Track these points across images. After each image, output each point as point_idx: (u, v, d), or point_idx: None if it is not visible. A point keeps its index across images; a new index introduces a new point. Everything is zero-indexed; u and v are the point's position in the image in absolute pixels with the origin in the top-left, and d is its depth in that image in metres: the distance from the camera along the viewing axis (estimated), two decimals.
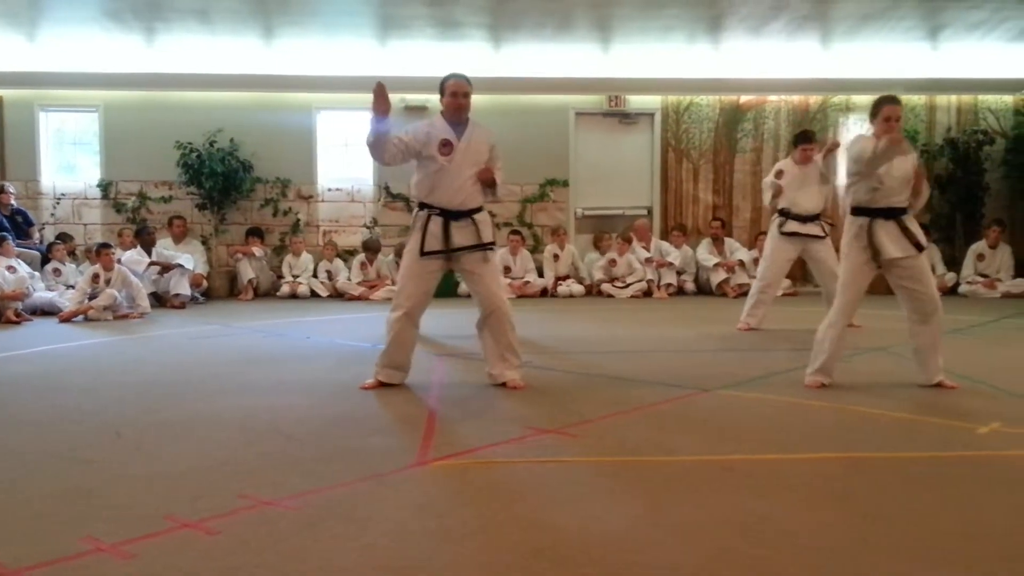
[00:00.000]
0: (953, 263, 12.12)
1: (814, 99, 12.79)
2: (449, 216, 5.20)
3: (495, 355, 5.37)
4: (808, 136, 8.39)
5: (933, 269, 11.68)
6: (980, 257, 11.78)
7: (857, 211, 5.28)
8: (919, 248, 5.17)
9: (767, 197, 8.37)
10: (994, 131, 12.52)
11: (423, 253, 5.21)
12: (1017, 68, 11.77)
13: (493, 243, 5.36)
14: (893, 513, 3.13)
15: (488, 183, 5.24)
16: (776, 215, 8.29)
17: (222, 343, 7.51)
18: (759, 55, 11.89)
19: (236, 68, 11.85)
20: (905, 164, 5.21)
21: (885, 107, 5.19)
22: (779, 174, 8.25)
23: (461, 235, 5.21)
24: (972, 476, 3.58)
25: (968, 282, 11.60)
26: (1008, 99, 12.51)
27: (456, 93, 5.27)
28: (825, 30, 11.27)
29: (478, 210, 5.28)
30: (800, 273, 12.55)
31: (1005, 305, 10.33)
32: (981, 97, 12.69)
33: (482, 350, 5.50)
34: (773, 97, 12.78)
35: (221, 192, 12.03)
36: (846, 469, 3.69)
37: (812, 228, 8.14)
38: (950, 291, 11.60)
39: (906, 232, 5.17)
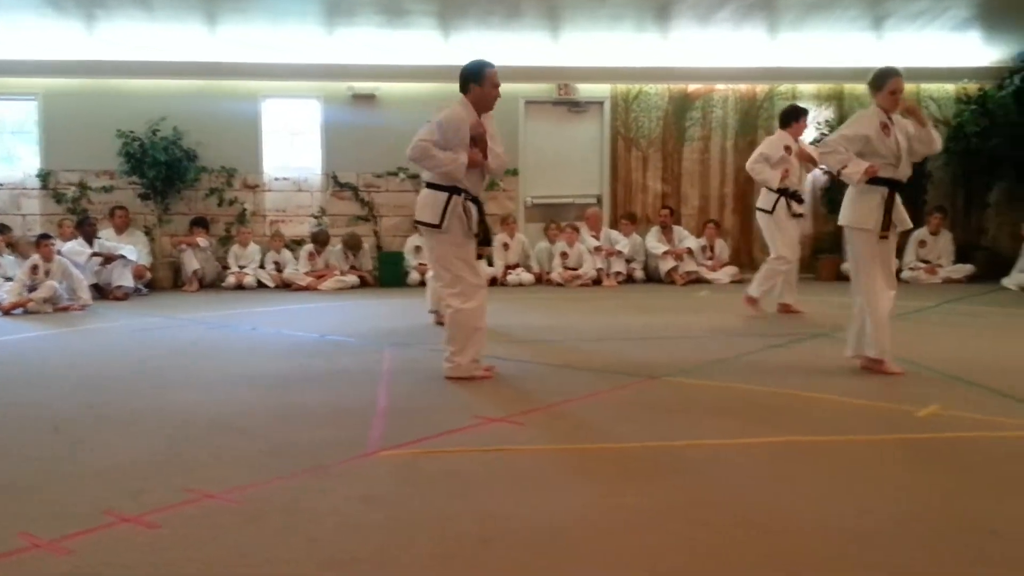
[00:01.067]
0: (896, 249, 12.31)
1: (761, 88, 12.88)
2: (476, 202, 5.24)
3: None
4: (805, 110, 8.43)
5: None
6: (922, 244, 11.98)
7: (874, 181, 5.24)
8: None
9: (768, 175, 8.06)
10: (936, 119, 12.72)
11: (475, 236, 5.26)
12: (958, 57, 11.96)
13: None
14: (835, 495, 3.17)
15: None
16: (777, 195, 8.09)
17: (166, 336, 7.37)
18: (707, 44, 11.93)
19: (179, 55, 11.60)
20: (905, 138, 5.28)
21: (892, 79, 5.18)
22: (789, 150, 8.11)
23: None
24: (911, 458, 3.64)
25: (910, 268, 11.79)
26: (950, 87, 12.70)
27: (497, 84, 5.19)
28: (771, 19, 11.35)
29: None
30: (748, 260, 12.69)
31: (946, 290, 10.53)
32: (923, 85, 12.86)
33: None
34: (721, 86, 12.85)
35: (164, 182, 11.79)
36: (790, 451, 3.73)
37: (803, 209, 8.28)
38: None
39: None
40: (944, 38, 11.69)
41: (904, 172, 5.27)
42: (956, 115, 12.44)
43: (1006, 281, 10.81)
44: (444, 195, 5.08)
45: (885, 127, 5.23)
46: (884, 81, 5.22)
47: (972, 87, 12.20)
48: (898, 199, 5.29)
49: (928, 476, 3.39)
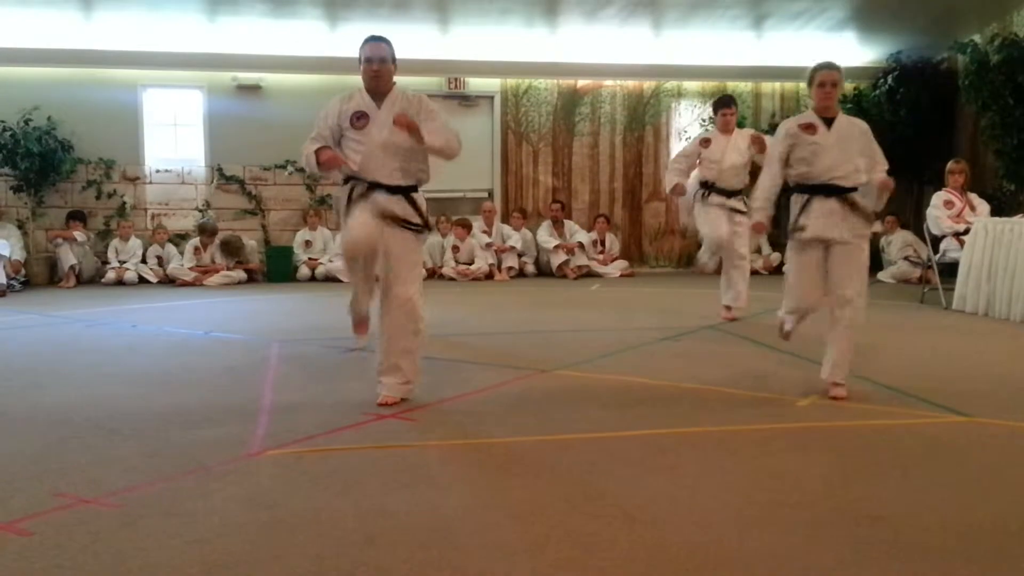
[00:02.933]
0: (778, 244, 12.72)
1: (648, 84, 13.13)
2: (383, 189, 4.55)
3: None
4: (728, 100, 7.86)
5: (759, 249, 12.35)
6: None
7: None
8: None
9: (670, 178, 7.71)
10: None
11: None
12: (835, 57, 12.15)
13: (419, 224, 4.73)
14: (720, 482, 3.25)
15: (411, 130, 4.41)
16: (700, 188, 7.68)
17: (40, 333, 7.06)
18: (594, 40, 12.07)
19: (53, 43, 11.12)
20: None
21: (820, 72, 4.86)
22: (706, 142, 7.68)
23: (391, 203, 4.56)
24: (793, 447, 3.76)
25: None
26: None
27: (371, 60, 4.56)
28: (656, 17, 11.56)
29: (413, 188, 4.70)
30: (637, 254, 12.92)
31: None
32: (803, 84, 13.24)
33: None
34: (609, 82, 13.04)
35: (38, 173, 11.30)
36: (676, 442, 3.80)
37: (735, 203, 7.63)
38: (775, 270, 12.20)
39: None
40: (822, 38, 12.11)
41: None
42: None
43: (881, 275, 11.34)
44: (347, 187, 4.63)
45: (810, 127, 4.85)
46: (814, 74, 4.92)
47: (848, 86, 12.67)
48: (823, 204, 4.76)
49: (809, 464, 3.50)
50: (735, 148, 7.64)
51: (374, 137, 4.48)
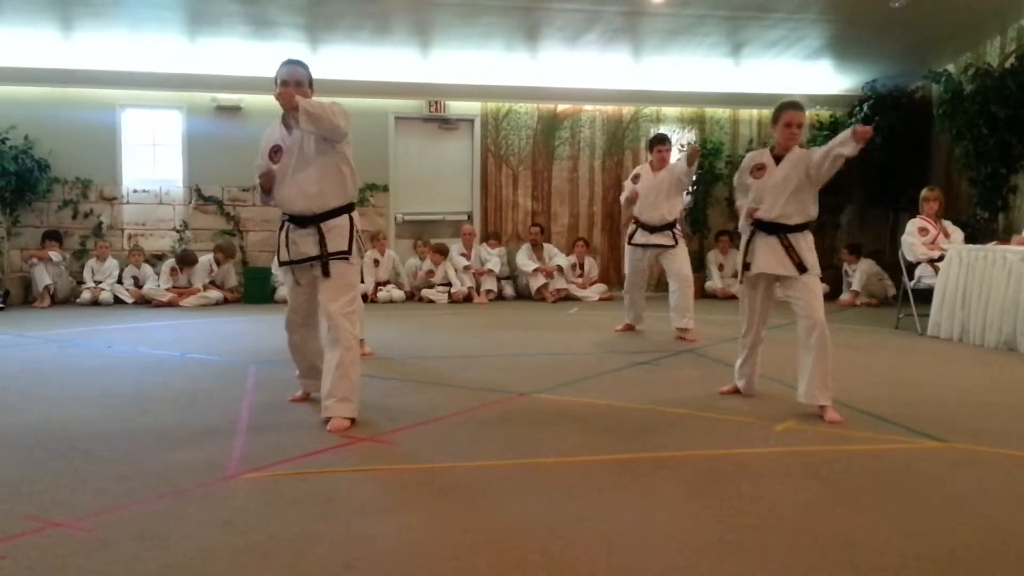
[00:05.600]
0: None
1: (627, 109, 13.21)
2: (295, 222, 4.56)
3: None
4: (662, 137, 8.22)
5: (735, 274, 12.41)
6: None
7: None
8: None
9: (625, 204, 8.32)
10: None
11: (281, 263, 4.71)
12: (811, 85, 12.51)
13: (341, 252, 4.54)
14: (696, 507, 3.25)
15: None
16: (632, 222, 8.19)
17: (13, 354, 6.98)
18: (575, 65, 12.15)
19: (31, 61, 11.08)
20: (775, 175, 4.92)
21: (785, 112, 4.89)
22: (636, 178, 8.11)
23: (305, 244, 4.54)
24: (768, 471, 3.76)
25: None
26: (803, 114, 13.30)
27: (287, 82, 4.42)
28: (636, 43, 11.65)
29: (329, 215, 4.53)
30: (616, 278, 12.96)
31: None
32: None
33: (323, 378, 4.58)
34: (588, 106, 13.12)
35: (14, 192, 11.22)
36: (653, 467, 3.80)
37: (660, 238, 7.98)
38: None
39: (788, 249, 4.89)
40: (798, 66, 12.25)
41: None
42: (810, 140, 13.00)
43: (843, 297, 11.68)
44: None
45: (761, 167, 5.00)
46: (779, 114, 4.95)
47: (825, 114, 12.82)
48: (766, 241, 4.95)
49: (785, 489, 3.51)
50: (659, 183, 7.98)
51: (287, 168, 4.51)
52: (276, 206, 4.67)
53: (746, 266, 5.04)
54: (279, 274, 4.64)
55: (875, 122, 12.22)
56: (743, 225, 5.10)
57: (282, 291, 11.38)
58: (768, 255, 4.92)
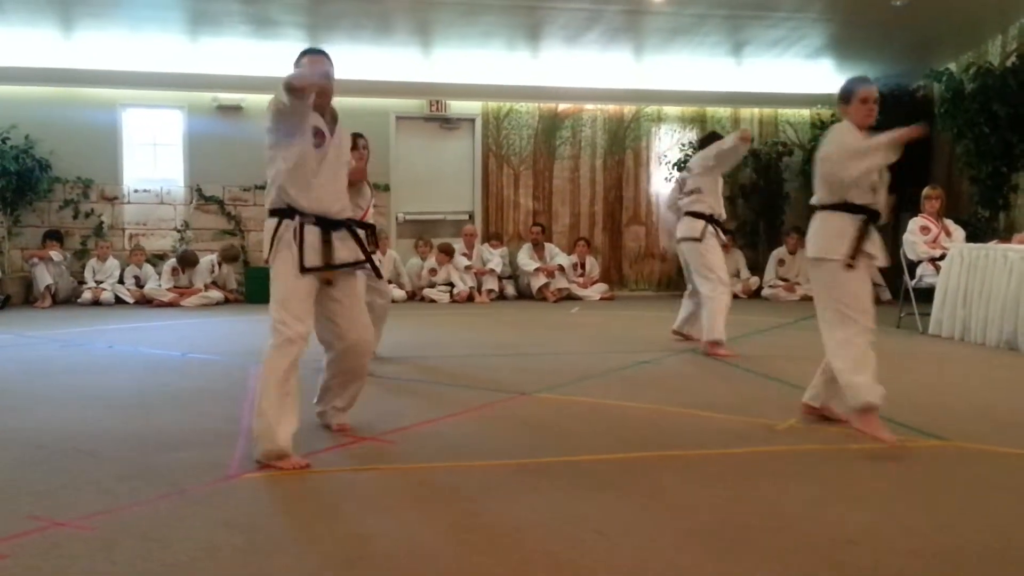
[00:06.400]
0: (756, 268, 12.81)
1: (628, 109, 13.20)
2: (326, 225, 3.99)
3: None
4: (716, 136, 7.89)
5: (738, 273, 12.42)
6: (781, 262, 12.52)
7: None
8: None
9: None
10: (793, 143, 13.30)
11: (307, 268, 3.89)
12: (813, 83, 12.51)
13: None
14: (698, 506, 3.25)
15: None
16: (702, 222, 7.31)
17: (15, 354, 6.98)
18: (576, 64, 12.15)
19: (31, 61, 11.07)
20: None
21: (861, 88, 4.57)
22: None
23: (344, 248, 4.04)
24: (770, 470, 3.76)
25: (770, 286, 12.34)
26: (805, 113, 13.29)
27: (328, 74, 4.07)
28: (637, 42, 11.65)
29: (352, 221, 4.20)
30: (617, 277, 12.96)
31: (804, 307, 10.95)
32: (781, 110, 13.44)
33: (322, 388, 4.49)
34: (590, 106, 13.10)
35: (15, 192, 11.22)
36: (655, 466, 3.80)
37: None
38: (754, 294, 12.31)
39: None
40: (800, 65, 12.24)
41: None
42: (811, 139, 13.02)
43: None
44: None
45: None
46: (854, 90, 4.61)
47: (825, 112, 12.78)
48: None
49: (787, 488, 3.50)
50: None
51: (326, 164, 4.01)
52: (293, 203, 3.97)
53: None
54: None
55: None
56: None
57: None
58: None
